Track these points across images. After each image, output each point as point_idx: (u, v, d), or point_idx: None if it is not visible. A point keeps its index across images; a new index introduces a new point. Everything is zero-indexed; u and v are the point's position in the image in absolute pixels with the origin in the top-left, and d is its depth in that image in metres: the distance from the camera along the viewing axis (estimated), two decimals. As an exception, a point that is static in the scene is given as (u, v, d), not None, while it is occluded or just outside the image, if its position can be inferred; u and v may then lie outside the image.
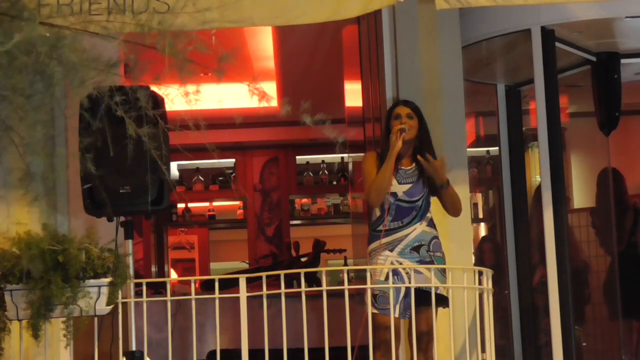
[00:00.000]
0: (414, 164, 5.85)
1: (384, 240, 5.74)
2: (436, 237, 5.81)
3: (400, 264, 5.67)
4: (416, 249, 5.74)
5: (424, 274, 5.60)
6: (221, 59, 3.65)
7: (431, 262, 5.70)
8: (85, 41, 3.68)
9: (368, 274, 5.48)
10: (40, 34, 3.28)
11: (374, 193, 5.74)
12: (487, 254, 8.16)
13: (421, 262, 5.69)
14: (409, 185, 5.79)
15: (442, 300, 5.64)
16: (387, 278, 5.58)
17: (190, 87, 3.77)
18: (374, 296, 5.60)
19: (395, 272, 5.64)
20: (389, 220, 5.76)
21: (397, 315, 5.61)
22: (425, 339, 5.61)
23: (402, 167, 5.82)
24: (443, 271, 5.65)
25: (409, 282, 5.53)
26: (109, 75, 3.64)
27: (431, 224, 5.82)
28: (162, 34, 3.62)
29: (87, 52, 3.57)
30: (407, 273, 5.59)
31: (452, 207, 5.88)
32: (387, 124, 5.91)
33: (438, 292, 5.61)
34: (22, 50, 3.22)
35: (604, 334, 7.77)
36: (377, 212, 5.83)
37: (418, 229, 5.77)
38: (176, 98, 3.88)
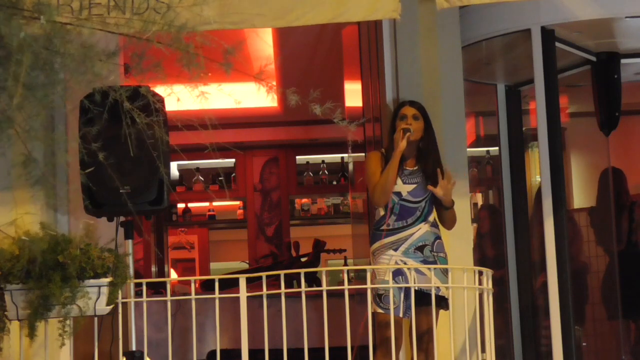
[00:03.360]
0: (417, 165, 5.86)
1: (388, 239, 5.75)
2: (439, 237, 5.82)
3: (405, 263, 5.68)
4: (420, 248, 5.75)
5: (427, 274, 5.60)
6: (227, 52, 3.65)
7: (434, 262, 5.71)
8: (87, 36, 3.68)
9: (368, 274, 5.48)
10: (55, 27, 3.28)
11: (379, 193, 5.75)
12: (485, 221, 8.15)
13: (425, 262, 5.70)
14: (413, 186, 5.79)
15: (444, 302, 5.65)
16: (392, 278, 5.58)
17: (197, 87, 3.77)
18: (379, 296, 5.61)
19: (400, 272, 5.65)
20: (393, 219, 5.76)
21: (400, 315, 5.62)
22: (426, 339, 5.62)
23: (407, 168, 5.83)
24: (445, 272, 5.66)
25: (412, 282, 5.54)
26: (109, 71, 3.64)
27: (434, 224, 5.83)
28: (165, 28, 3.62)
29: (88, 44, 3.57)
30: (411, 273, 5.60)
31: (450, 224, 5.93)
32: (392, 124, 5.91)
33: (440, 293, 5.62)
34: (27, 45, 3.22)
35: (604, 333, 7.76)
36: (381, 212, 5.83)
37: (422, 229, 5.78)
38: (177, 98, 3.89)
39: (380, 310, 5.61)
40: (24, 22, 3.26)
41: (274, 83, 3.89)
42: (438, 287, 5.61)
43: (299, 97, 3.84)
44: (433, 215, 5.85)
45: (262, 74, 3.82)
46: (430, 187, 5.78)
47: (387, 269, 5.61)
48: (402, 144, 5.72)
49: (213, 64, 3.72)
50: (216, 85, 3.91)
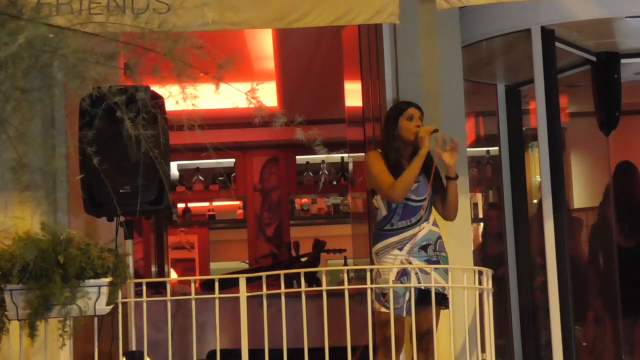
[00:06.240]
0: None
1: (392, 239, 5.75)
2: (440, 236, 5.83)
3: (410, 262, 5.69)
4: (424, 248, 5.76)
5: (431, 274, 5.61)
6: (221, 65, 3.66)
7: (437, 262, 5.72)
8: (85, 39, 3.68)
9: (368, 273, 5.48)
10: (43, 34, 3.28)
11: (401, 190, 5.71)
12: (493, 221, 8.13)
13: (429, 261, 5.71)
14: (416, 184, 5.79)
15: (446, 301, 5.66)
16: (398, 277, 5.59)
17: (190, 89, 3.77)
18: (383, 295, 5.60)
19: (405, 272, 5.65)
20: (397, 219, 5.77)
21: (404, 314, 5.62)
22: (427, 338, 5.62)
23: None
24: (447, 271, 5.67)
25: (417, 282, 5.55)
26: (108, 69, 3.64)
27: (435, 223, 5.84)
28: (162, 36, 3.63)
29: (87, 48, 3.57)
30: (416, 273, 5.61)
31: (453, 206, 5.86)
32: (393, 122, 5.88)
33: (443, 292, 5.62)
34: (25, 50, 3.22)
35: (605, 333, 7.76)
36: (383, 212, 5.82)
37: (426, 228, 5.79)
38: (177, 98, 3.89)
39: (384, 310, 5.61)
40: (22, 24, 3.26)
41: (259, 97, 3.89)
42: (442, 286, 5.62)
43: (286, 120, 3.85)
44: (434, 215, 5.86)
45: (255, 89, 3.82)
46: (438, 150, 5.75)
47: (392, 269, 5.61)
48: (427, 143, 5.72)
49: (208, 69, 3.73)
50: (214, 86, 3.91)
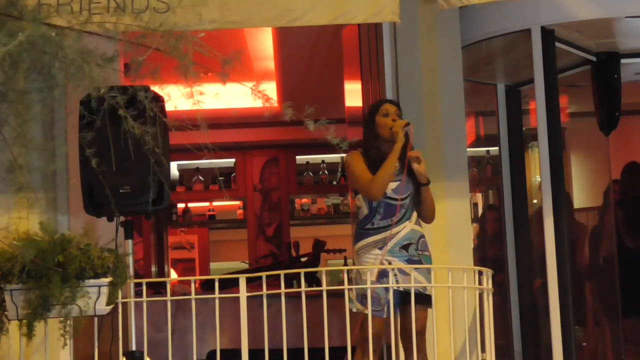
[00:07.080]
0: (398, 163, 5.79)
1: (372, 238, 5.72)
2: (423, 236, 5.77)
3: (389, 262, 5.65)
4: (405, 247, 5.70)
5: (410, 274, 5.59)
6: (225, 62, 3.66)
7: (419, 261, 5.67)
8: (86, 39, 3.68)
9: (368, 274, 5.48)
10: (44, 33, 3.28)
11: (379, 187, 5.65)
12: (490, 223, 8.12)
13: (410, 260, 5.66)
14: (396, 183, 5.74)
15: (428, 300, 5.62)
16: (378, 278, 5.56)
17: (195, 87, 3.78)
18: (365, 297, 5.55)
19: (385, 273, 5.60)
20: (378, 218, 5.74)
21: (385, 316, 5.59)
22: (418, 338, 5.58)
23: (389, 166, 5.80)
24: (429, 271, 5.63)
25: (395, 283, 5.53)
26: (108, 71, 3.65)
27: (418, 222, 5.78)
28: (165, 35, 3.63)
29: (88, 49, 3.58)
30: (395, 275, 5.57)
31: (431, 208, 5.82)
32: (370, 121, 5.86)
33: (424, 292, 5.60)
34: (26, 50, 3.22)
35: (606, 334, 7.76)
36: (365, 211, 5.79)
37: (407, 227, 5.73)
38: (178, 99, 3.89)
39: (366, 311, 5.56)
40: (23, 25, 3.26)
41: (264, 90, 3.89)
42: (424, 286, 5.60)
43: (294, 112, 3.85)
44: (415, 214, 5.81)
45: (259, 83, 3.82)
46: (410, 154, 5.70)
47: (373, 270, 5.58)
48: (402, 137, 5.69)
49: (211, 67, 3.73)
50: (215, 86, 3.91)
